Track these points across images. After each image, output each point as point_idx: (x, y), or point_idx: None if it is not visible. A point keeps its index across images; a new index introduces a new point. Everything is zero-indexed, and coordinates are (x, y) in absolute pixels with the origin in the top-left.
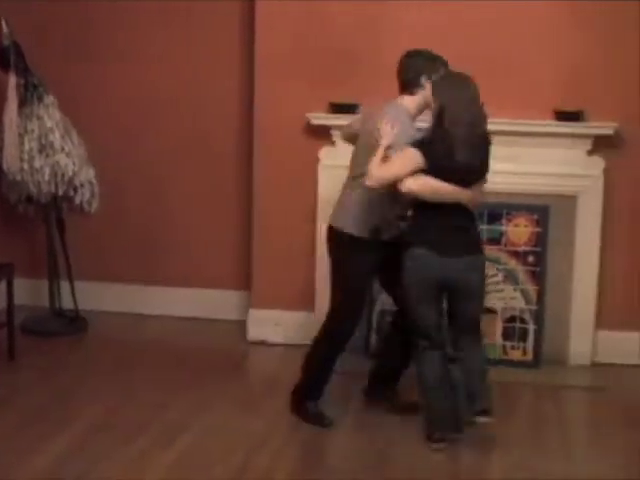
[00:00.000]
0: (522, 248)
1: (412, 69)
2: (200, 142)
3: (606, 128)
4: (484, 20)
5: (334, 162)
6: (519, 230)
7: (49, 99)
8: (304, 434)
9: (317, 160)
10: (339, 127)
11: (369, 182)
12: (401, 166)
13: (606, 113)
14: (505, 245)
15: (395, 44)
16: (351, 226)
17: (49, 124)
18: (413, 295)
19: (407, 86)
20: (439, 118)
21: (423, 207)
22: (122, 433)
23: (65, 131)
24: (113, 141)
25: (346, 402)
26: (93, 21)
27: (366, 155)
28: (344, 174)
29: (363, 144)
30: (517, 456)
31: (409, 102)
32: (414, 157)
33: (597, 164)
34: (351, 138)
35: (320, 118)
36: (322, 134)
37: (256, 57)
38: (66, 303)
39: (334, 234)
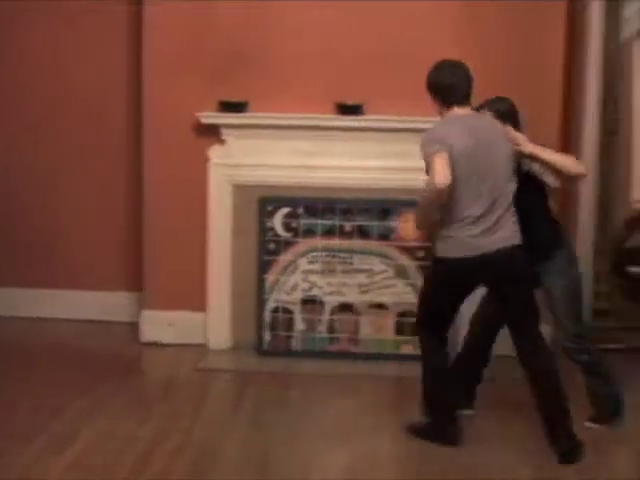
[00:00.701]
0: (412, 243)
1: (472, 80)
2: (89, 142)
3: None
4: (370, 17)
5: (224, 161)
6: (409, 225)
7: None
8: (198, 436)
9: (207, 159)
10: (228, 125)
11: (586, 171)
12: None
13: None
14: (395, 240)
15: (282, 43)
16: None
17: None
18: None
19: (469, 97)
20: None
21: None
22: (16, 438)
23: None
24: None
25: (239, 401)
26: None
27: (505, 171)
28: (234, 172)
29: (484, 162)
30: (412, 445)
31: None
32: None
33: None
34: None
35: (210, 117)
36: (212, 133)
37: (144, 57)
38: None
39: (522, 256)
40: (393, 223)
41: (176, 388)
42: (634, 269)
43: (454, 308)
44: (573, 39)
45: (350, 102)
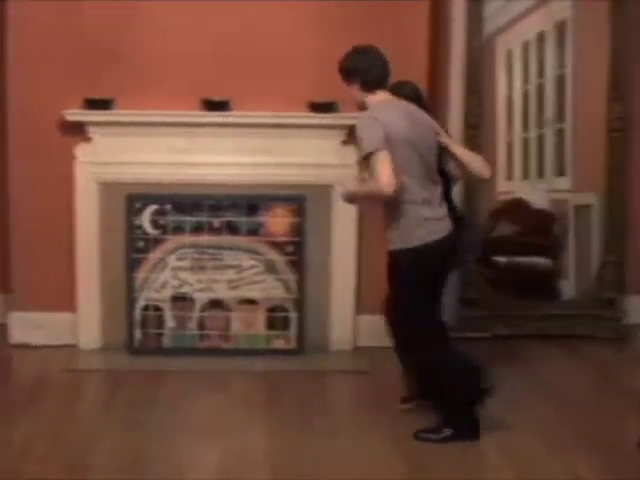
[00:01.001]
0: (281, 238)
1: (388, 64)
2: None
3: None
4: (237, 16)
5: (90, 159)
6: (278, 221)
7: None
8: (69, 437)
9: (73, 157)
10: (94, 123)
11: (489, 174)
12: None
13: None
14: (264, 236)
15: (148, 41)
16: None
17: None
18: None
19: (387, 82)
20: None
21: None
22: None
23: None
24: None
25: (111, 401)
26: None
27: (435, 157)
28: (101, 170)
29: (423, 146)
30: (286, 439)
31: None
32: None
33: (352, 154)
34: None
35: (75, 114)
36: (78, 131)
37: (9, 54)
38: None
39: None
40: (262, 218)
41: (47, 390)
42: (499, 259)
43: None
44: (437, 37)
45: (216, 98)
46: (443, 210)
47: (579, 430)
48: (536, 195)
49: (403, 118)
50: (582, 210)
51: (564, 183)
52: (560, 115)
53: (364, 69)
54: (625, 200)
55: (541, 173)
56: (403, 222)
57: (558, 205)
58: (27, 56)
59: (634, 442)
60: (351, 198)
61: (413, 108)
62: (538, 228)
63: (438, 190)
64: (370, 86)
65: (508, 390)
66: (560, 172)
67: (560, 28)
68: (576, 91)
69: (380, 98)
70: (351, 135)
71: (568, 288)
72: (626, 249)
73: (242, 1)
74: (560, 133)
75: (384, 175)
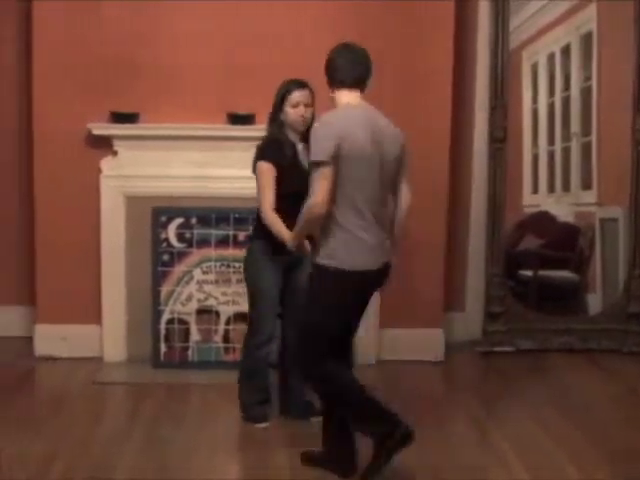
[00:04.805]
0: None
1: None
2: None
3: None
4: (264, 28)
5: (116, 172)
6: None
7: None
8: (91, 452)
9: (99, 171)
10: (120, 137)
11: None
12: None
13: None
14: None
15: (173, 54)
16: None
17: None
18: None
19: (361, 83)
20: None
21: None
22: None
23: None
24: None
25: (135, 415)
26: None
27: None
28: (127, 184)
29: (388, 161)
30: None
31: None
32: None
33: None
34: None
35: (101, 128)
36: (103, 144)
37: (34, 69)
38: None
39: None
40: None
41: (71, 403)
42: (524, 272)
43: None
44: (462, 50)
45: (241, 112)
46: (383, 234)
47: (602, 443)
48: (561, 208)
49: (363, 129)
50: (608, 224)
51: (590, 196)
52: (586, 128)
53: (339, 65)
54: None
55: (567, 186)
56: (336, 240)
57: (584, 219)
58: (50, 69)
59: None
60: (299, 243)
61: (379, 116)
62: (564, 242)
63: (387, 211)
64: (337, 85)
65: (532, 403)
66: (586, 185)
67: (586, 40)
68: (602, 104)
69: (347, 101)
70: None
71: (595, 302)
72: None
73: (268, 13)
74: (586, 146)
75: (320, 193)
